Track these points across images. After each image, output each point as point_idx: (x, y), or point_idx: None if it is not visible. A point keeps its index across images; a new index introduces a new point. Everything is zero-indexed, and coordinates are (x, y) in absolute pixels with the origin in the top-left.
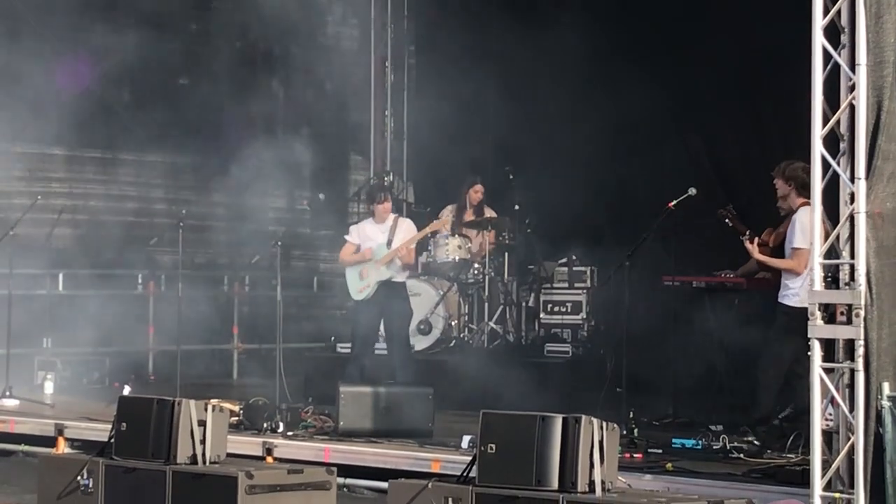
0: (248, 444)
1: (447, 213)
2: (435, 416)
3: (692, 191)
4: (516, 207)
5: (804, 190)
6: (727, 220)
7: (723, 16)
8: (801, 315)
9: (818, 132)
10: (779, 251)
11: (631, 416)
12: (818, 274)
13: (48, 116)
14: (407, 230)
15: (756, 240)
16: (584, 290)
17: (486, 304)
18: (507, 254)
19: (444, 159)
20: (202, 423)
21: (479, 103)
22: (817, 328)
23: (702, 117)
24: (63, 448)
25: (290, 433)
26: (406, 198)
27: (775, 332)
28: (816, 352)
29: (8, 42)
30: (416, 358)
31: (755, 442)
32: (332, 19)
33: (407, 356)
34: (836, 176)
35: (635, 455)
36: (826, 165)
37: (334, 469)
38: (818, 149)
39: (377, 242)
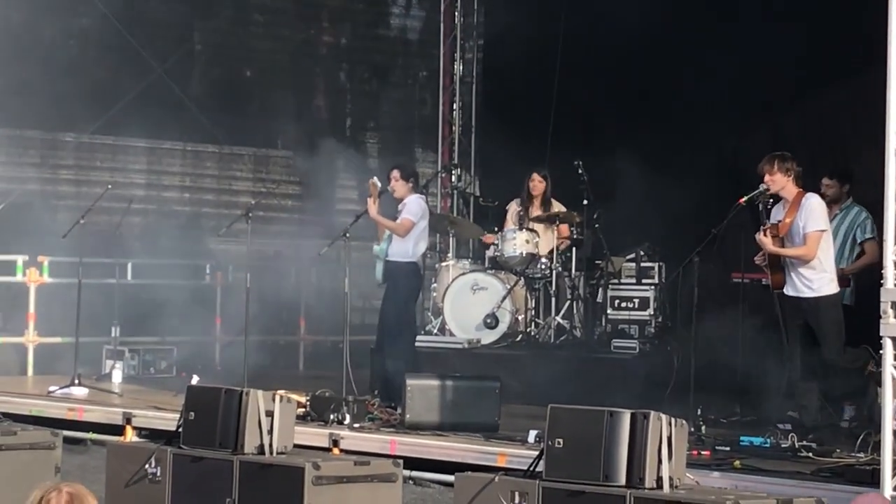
0: (314, 435)
1: (513, 208)
2: (501, 409)
3: (764, 186)
4: (585, 202)
5: (799, 180)
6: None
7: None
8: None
9: (894, 127)
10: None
11: (698, 413)
12: (890, 271)
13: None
14: (405, 207)
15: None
16: (652, 286)
17: (553, 299)
18: (574, 249)
19: (512, 153)
20: (270, 414)
21: (547, 96)
22: (889, 326)
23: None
24: (130, 437)
25: (356, 425)
26: (473, 191)
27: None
28: (888, 350)
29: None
30: (420, 350)
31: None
32: (398, 10)
33: (396, 347)
34: None
35: (703, 452)
36: None
37: (400, 461)
38: (893, 144)
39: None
